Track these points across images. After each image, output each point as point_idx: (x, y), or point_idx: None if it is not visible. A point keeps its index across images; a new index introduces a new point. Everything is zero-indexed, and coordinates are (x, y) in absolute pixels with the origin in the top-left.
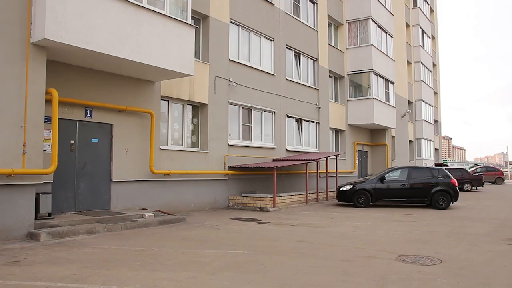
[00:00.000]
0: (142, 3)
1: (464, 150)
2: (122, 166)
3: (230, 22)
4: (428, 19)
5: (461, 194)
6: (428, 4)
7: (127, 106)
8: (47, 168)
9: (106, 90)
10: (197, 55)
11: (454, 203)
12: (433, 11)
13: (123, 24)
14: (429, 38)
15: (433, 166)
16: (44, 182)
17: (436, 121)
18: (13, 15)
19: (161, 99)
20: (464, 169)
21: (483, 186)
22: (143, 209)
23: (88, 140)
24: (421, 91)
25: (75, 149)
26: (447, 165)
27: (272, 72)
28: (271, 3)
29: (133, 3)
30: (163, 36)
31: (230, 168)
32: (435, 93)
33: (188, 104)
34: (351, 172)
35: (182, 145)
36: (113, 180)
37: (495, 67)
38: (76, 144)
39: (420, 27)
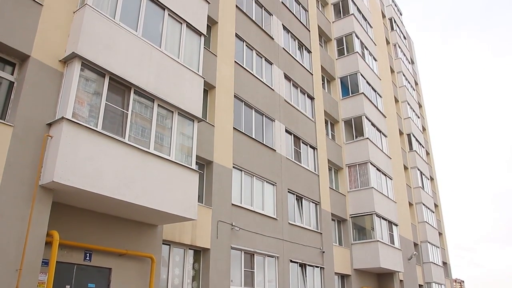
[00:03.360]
0: (149, 149)
1: None
2: None
3: (233, 167)
4: (425, 161)
5: None
6: (424, 147)
7: (127, 250)
8: None
9: (108, 233)
10: (200, 199)
11: None
12: (429, 153)
13: (130, 169)
14: (428, 179)
15: None
16: None
17: (444, 263)
18: (27, 159)
19: (163, 243)
20: None
21: None
22: None
23: (85, 285)
24: (426, 232)
25: None
26: None
27: (274, 216)
28: (272, 149)
29: (141, 149)
30: (168, 181)
31: None
32: (440, 233)
33: (189, 249)
34: None
35: None
36: None
37: (499, 202)
38: None
39: (418, 169)
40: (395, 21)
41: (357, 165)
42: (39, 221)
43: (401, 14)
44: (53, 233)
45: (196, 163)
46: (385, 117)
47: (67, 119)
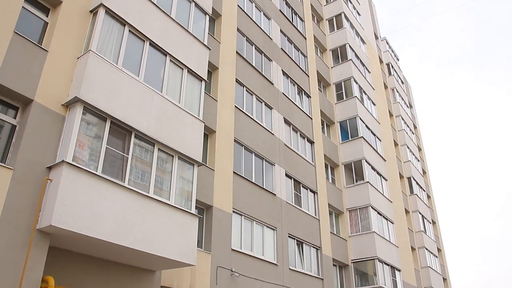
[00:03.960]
0: (148, 193)
1: None
2: None
3: (233, 212)
4: (427, 205)
5: None
6: (424, 190)
7: None
8: None
9: (105, 279)
10: (199, 244)
11: None
12: (430, 197)
13: (129, 213)
14: (430, 223)
15: None
16: None
17: None
18: (26, 202)
19: None
20: None
21: None
22: None
23: None
24: (430, 278)
25: None
26: None
27: (275, 262)
28: (273, 193)
29: (140, 193)
30: (167, 225)
31: None
32: (444, 279)
33: None
34: None
35: None
36: None
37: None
38: None
39: (420, 213)
40: (392, 66)
41: (358, 209)
42: (35, 266)
43: (398, 59)
44: (49, 279)
45: (196, 207)
46: (385, 160)
47: (68, 162)
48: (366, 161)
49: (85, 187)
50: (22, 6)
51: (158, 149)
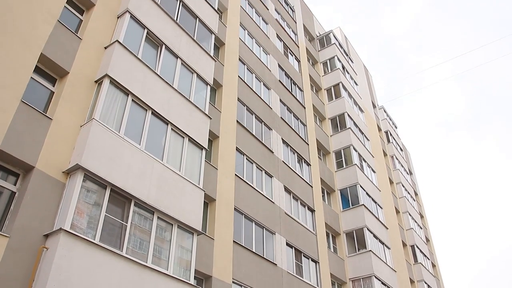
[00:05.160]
0: (146, 262)
1: None
2: None
3: (233, 282)
4: (432, 274)
5: None
6: (429, 259)
7: None
8: None
9: None
10: None
11: None
12: (435, 265)
13: (126, 283)
14: None
15: None
16: None
17: None
18: (19, 271)
19: None
20: None
21: None
22: None
23: None
24: None
25: None
26: None
27: None
28: (273, 263)
29: (138, 263)
30: None
31: None
32: None
33: None
34: None
35: None
36: None
37: None
38: None
39: (425, 282)
40: (391, 134)
41: (361, 279)
42: None
43: (396, 127)
44: None
45: (195, 277)
46: (387, 228)
47: (65, 230)
48: (368, 229)
49: (82, 256)
50: (31, 77)
51: (158, 217)
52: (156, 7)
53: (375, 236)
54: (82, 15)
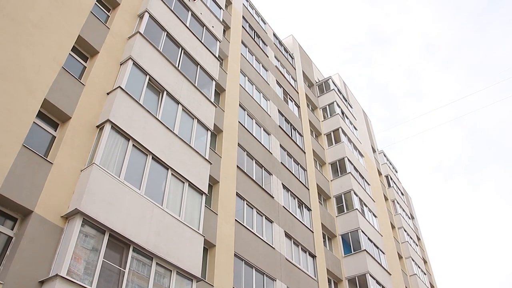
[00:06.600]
0: None
1: None
2: None
3: None
4: None
5: None
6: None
7: None
8: None
9: None
10: None
11: None
12: None
13: None
14: None
15: None
16: None
17: None
18: None
19: None
20: None
21: None
22: None
23: None
24: None
25: None
26: None
27: None
28: None
29: None
30: None
31: None
32: None
33: None
34: None
35: None
36: None
37: None
38: None
39: None
40: (391, 178)
41: None
42: None
43: (396, 171)
44: None
45: None
46: (390, 274)
47: (61, 276)
48: (370, 275)
49: None
50: (34, 122)
51: (157, 263)
52: (158, 54)
53: (378, 282)
54: (86, 62)
